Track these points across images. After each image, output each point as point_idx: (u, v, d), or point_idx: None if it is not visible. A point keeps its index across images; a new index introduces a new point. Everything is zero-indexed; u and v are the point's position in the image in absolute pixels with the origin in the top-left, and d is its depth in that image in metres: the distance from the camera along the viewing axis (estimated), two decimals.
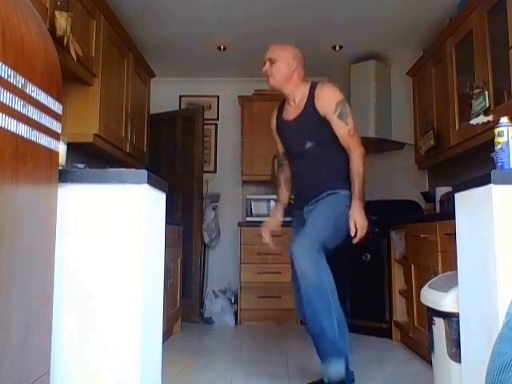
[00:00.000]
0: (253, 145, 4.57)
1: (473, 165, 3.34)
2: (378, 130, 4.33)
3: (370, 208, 4.10)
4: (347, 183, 2.35)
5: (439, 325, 2.01)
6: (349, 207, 2.31)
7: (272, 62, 2.44)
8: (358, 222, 2.28)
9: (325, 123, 2.36)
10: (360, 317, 3.86)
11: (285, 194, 2.71)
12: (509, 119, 1.77)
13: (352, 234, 2.29)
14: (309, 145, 2.40)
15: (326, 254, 2.25)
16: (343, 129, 2.34)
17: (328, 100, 2.36)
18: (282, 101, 2.62)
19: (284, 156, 2.67)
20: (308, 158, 2.43)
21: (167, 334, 3.49)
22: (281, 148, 2.66)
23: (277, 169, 2.75)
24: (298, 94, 2.45)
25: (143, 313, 1.56)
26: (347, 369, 2.26)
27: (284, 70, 2.43)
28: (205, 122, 4.63)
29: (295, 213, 2.57)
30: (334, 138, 2.37)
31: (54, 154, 1.42)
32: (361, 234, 2.29)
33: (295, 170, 2.57)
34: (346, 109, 2.35)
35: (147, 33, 3.92)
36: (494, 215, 1.57)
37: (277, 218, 2.72)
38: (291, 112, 2.49)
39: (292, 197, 2.69)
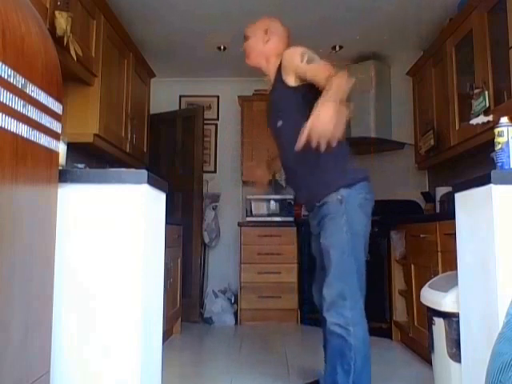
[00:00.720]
0: (253, 145, 4.57)
1: (473, 165, 3.34)
2: (377, 130, 4.33)
3: None
4: (335, 183, 1.98)
5: (439, 325, 2.01)
6: (346, 204, 1.95)
7: (246, 39, 2.26)
8: (322, 116, 1.63)
9: (292, 94, 2.00)
10: None
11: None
12: (509, 119, 1.77)
13: (310, 131, 1.64)
14: (279, 123, 2.09)
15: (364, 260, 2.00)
16: (315, 68, 1.88)
17: (290, 57, 2.00)
18: None
19: None
20: (281, 141, 2.12)
21: (167, 334, 3.49)
22: None
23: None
24: (273, 69, 2.15)
25: (143, 313, 1.56)
26: None
27: (258, 46, 2.19)
28: (205, 122, 4.63)
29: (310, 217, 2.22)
30: (304, 112, 1.76)
31: (54, 154, 1.42)
32: (316, 132, 1.62)
33: (282, 165, 2.26)
34: (313, 54, 1.95)
35: (147, 33, 3.92)
36: (494, 215, 1.57)
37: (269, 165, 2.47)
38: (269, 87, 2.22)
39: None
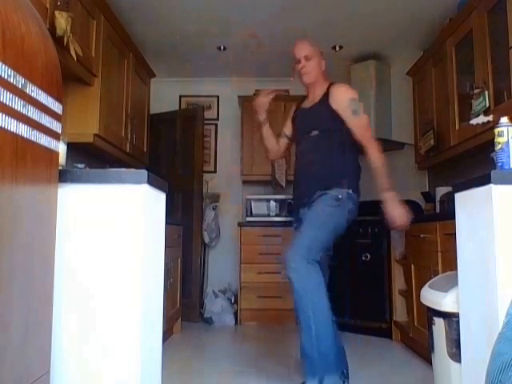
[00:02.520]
0: (253, 145, 4.57)
1: (473, 165, 3.34)
2: (377, 130, 4.32)
3: (370, 208, 4.10)
4: (343, 182, 2.36)
5: (439, 325, 2.01)
6: (340, 205, 2.32)
7: (308, 59, 2.50)
8: (395, 214, 2.33)
9: (334, 118, 2.41)
10: (360, 317, 3.87)
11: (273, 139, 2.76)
12: (509, 119, 1.77)
13: (394, 226, 2.38)
14: (314, 133, 2.46)
15: (324, 254, 2.34)
16: (357, 123, 2.40)
17: (342, 96, 2.45)
18: (303, 97, 2.71)
19: (284, 134, 2.76)
20: (309, 146, 2.47)
21: (167, 334, 3.49)
22: (287, 129, 2.74)
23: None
24: (320, 90, 2.52)
25: (143, 313, 1.56)
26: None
27: (317, 67, 2.52)
28: (205, 122, 4.63)
29: (295, 214, 2.59)
30: (340, 136, 2.42)
31: (54, 154, 1.42)
32: (401, 222, 2.35)
33: (297, 164, 2.59)
34: (360, 106, 2.42)
35: (147, 33, 3.92)
36: (494, 215, 1.57)
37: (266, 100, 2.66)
38: (310, 101, 2.57)
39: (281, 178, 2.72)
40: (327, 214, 2.32)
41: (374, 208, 4.07)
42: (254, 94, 4.65)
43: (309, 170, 2.46)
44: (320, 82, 2.54)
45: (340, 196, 2.33)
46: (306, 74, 2.51)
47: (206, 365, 2.96)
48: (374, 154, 2.37)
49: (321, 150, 2.43)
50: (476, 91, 2.85)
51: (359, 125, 2.40)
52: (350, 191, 2.36)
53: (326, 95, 2.47)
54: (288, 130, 2.74)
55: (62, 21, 2.32)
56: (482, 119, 2.77)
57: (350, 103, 2.41)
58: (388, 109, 4.51)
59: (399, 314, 3.57)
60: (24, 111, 1.22)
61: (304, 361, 2.26)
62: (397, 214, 2.33)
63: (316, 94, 2.53)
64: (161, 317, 1.91)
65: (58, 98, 1.43)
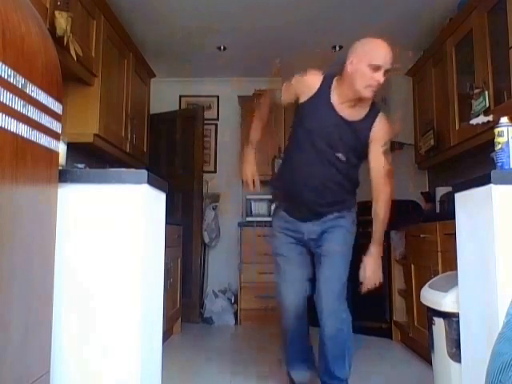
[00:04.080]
0: None
1: (473, 165, 3.34)
2: None
3: (369, 208, 4.09)
4: (353, 205, 2.28)
5: (439, 325, 2.01)
6: (354, 228, 2.26)
7: (386, 73, 2.00)
8: (373, 273, 2.27)
9: (364, 149, 2.15)
10: (360, 317, 3.84)
11: (259, 133, 2.45)
12: (509, 119, 1.77)
13: (363, 280, 2.26)
14: (340, 156, 2.13)
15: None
16: (384, 165, 2.14)
17: (384, 132, 2.15)
18: (328, 74, 2.18)
19: (281, 102, 2.32)
20: (329, 167, 2.16)
21: (167, 334, 3.49)
22: (287, 99, 2.27)
23: (267, 102, 2.40)
24: (365, 106, 2.14)
25: (143, 313, 1.56)
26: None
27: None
28: (205, 122, 4.63)
29: (284, 224, 2.40)
30: (357, 171, 2.23)
31: (54, 154, 1.42)
32: (372, 285, 2.27)
33: (302, 163, 2.20)
34: (390, 149, 2.20)
35: (147, 33, 3.92)
36: (494, 215, 1.57)
37: (253, 163, 2.48)
38: (345, 110, 2.11)
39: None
40: (350, 243, 2.26)
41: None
42: (254, 94, 4.66)
43: (321, 190, 2.17)
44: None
45: (354, 219, 2.26)
46: (376, 88, 2.03)
47: (206, 365, 2.96)
48: (387, 205, 2.15)
49: (341, 180, 2.18)
50: (476, 91, 2.85)
51: (386, 167, 2.14)
52: (355, 214, 2.28)
53: (370, 120, 2.13)
54: (287, 101, 2.28)
55: (62, 21, 2.32)
56: (481, 119, 2.77)
57: (387, 143, 2.16)
58: (388, 109, 4.50)
59: (399, 314, 3.57)
60: (24, 111, 1.22)
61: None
62: (374, 273, 2.27)
63: (359, 107, 2.12)
64: (161, 317, 1.91)
65: (58, 98, 1.43)
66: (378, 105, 2.20)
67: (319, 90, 2.13)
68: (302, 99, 2.16)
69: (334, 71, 2.17)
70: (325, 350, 2.21)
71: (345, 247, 2.22)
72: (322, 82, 2.14)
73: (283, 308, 2.32)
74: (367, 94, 2.03)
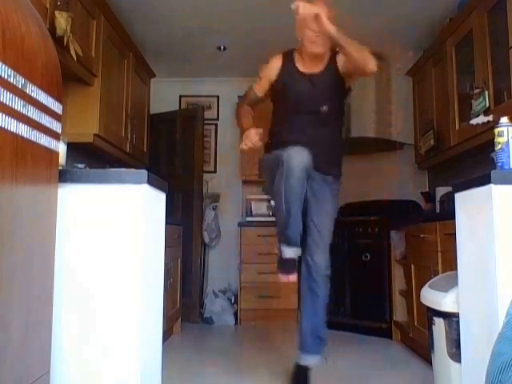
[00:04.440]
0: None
1: (473, 165, 3.34)
2: (377, 130, 4.32)
3: (369, 208, 4.10)
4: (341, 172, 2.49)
5: (439, 325, 2.01)
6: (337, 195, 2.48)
7: (317, 17, 2.16)
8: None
9: (342, 89, 2.40)
10: (360, 317, 3.87)
11: (250, 120, 2.54)
12: (509, 119, 1.77)
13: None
14: (324, 108, 2.35)
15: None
16: (359, 47, 2.19)
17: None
18: (288, 51, 2.46)
19: (257, 99, 2.53)
20: (319, 120, 2.36)
21: (167, 334, 3.49)
22: (262, 90, 2.49)
23: (245, 105, 2.55)
24: (323, 57, 2.37)
25: (143, 313, 1.56)
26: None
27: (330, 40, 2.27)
28: (205, 122, 4.63)
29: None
30: (342, 113, 2.49)
31: (54, 154, 1.42)
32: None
33: (295, 126, 2.37)
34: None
35: (147, 33, 3.92)
36: (494, 215, 1.57)
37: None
38: (312, 69, 2.38)
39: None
40: (336, 206, 2.47)
41: (374, 208, 4.10)
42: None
43: (320, 145, 2.30)
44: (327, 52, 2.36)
45: (341, 183, 2.47)
46: (320, 43, 2.26)
47: (206, 365, 2.96)
48: (360, 48, 2.18)
49: (330, 130, 2.41)
50: (476, 91, 2.85)
51: (361, 47, 2.18)
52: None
53: (333, 61, 2.34)
54: (262, 91, 2.49)
55: (62, 21, 2.32)
56: (481, 119, 2.77)
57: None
58: (388, 109, 4.51)
59: (399, 314, 3.57)
60: (24, 111, 1.22)
61: (315, 340, 2.41)
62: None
63: (320, 61, 2.36)
64: (161, 317, 1.91)
65: (58, 98, 1.43)
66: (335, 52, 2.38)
67: (283, 65, 2.42)
68: (273, 80, 2.44)
69: (293, 48, 2.47)
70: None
71: (331, 208, 2.43)
72: (283, 58, 2.44)
73: (289, 169, 2.19)
74: (317, 49, 2.31)
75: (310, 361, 2.41)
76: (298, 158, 2.18)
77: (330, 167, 2.42)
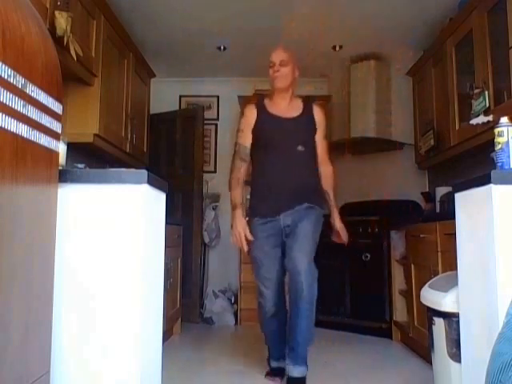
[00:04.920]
0: None
1: (473, 165, 3.34)
2: (378, 130, 4.33)
3: (369, 208, 4.10)
4: (323, 202, 2.62)
5: (439, 325, 2.01)
6: (321, 222, 2.56)
7: (283, 64, 2.53)
8: (343, 229, 2.66)
9: (313, 135, 2.61)
10: (360, 317, 3.87)
11: (241, 194, 2.64)
12: (509, 119, 1.77)
13: (344, 239, 2.67)
14: (300, 148, 2.53)
15: None
16: (325, 146, 2.67)
17: (323, 119, 2.66)
18: (258, 99, 2.71)
19: (248, 151, 2.60)
20: (294, 159, 2.53)
21: (167, 334, 3.49)
22: (249, 141, 2.57)
23: (238, 163, 2.59)
24: (296, 102, 2.63)
25: (143, 313, 1.56)
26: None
27: (292, 74, 2.57)
28: (205, 122, 4.63)
29: (263, 220, 2.52)
30: (315, 153, 2.63)
31: (54, 154, 1.42)
32: (345, 238, 2.67)
33: (272, 167, 2.52)
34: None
35: (147, 33, 3.92)
36: (494, 215, 1.57)
37: (244, 223, 2.54)
38: (285, 110, 2.58)
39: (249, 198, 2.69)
40: (318, 229, 2.53)
41: (373, 208, 4.10)
42: (254, 94, 4.66)
43: (294, 182, 2.49)
44: (293, 91, 2.61)
45: (322, 212, 2.57)
46: (280, 77, 2.52)
47: (206, 365, 2.96)
48: (334, 176, 2.68)
49: (306, 167, 2.56)
50: (476, 91, 2.85)
51: (327, 147, 2.67)
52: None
53: (310, 111, 2.60)
54: (249, 141, 2.57)
55: (62, 21, 2.32)
56: (481, 119, 2.77)
57: (326, 128, 2.68)
58: (388, 109, 4.51)
59: (399, 313, 3.57)
60: (24, 111, 1.22)
61: (299, 347, 2.43)
62: (343, 230, 2.65)
63: (292, 105, 2.60)
64: (161, 317, 1.91)
65: (58, 98, 1.43)
66: (309, 102, 2.70)
67: (258, 112, 2.59)
68: (253, 127, 2.59)
69: (263, 96, 2.76)
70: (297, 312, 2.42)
71: (316, 226, 2.51)
72: (256, 106, 2.62)
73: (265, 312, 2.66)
74: (275, 84, 2.55)
75: (299, 371, 2.43)
76: (269, 301, 2.60)
77: (310, 198, 2.52)
